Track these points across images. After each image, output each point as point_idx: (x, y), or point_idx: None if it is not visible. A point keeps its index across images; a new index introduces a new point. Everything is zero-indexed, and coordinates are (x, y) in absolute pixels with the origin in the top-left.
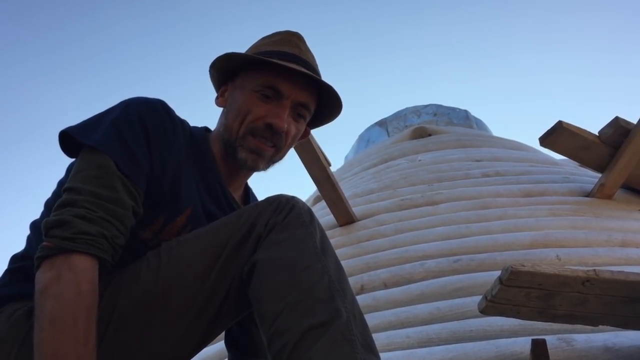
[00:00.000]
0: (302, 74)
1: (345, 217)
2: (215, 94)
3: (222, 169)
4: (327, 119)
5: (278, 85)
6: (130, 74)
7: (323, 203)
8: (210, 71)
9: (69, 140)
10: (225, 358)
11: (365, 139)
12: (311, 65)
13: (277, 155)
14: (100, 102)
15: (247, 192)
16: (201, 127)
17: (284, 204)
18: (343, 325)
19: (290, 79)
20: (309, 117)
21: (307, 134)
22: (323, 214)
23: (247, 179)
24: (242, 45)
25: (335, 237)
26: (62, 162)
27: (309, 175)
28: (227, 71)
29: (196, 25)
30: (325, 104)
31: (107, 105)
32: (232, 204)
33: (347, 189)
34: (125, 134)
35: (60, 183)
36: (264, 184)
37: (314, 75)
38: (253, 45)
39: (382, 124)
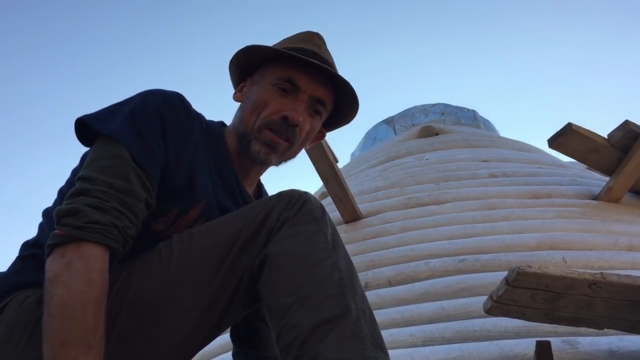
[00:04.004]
0: (320, 69)
1: (351, 214)
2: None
3: (237, 164)
4: (343, 121)
5: (296, 79)
6: (131, 72)
7: (329, 199)
8: (230, 67)
9: (85, 128)
10: (229, 351)
11: (372, 137)
12: (330, 64)
13: (290, 150)
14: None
15: (260, 188)
16: (217, 122)
17: (296, 199)
18: (352, 322)
19: (308, 74)
20: (325, 116)
21: (322, 136)
22: (329, 211)
23: (260, 175)
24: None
25: (341, 234)
26: (73, 151)
27: (314, 171)
28: (246, 67)
29: (200, 27)
30: (341, 106)
31: (109, 100)
32: (246, 198)
33: (353, 186)
34: (142, 125)
35: (74, 172)
36: (269, 179)
37: (331, 69)
38: (274, 45)
39: (389, 122)
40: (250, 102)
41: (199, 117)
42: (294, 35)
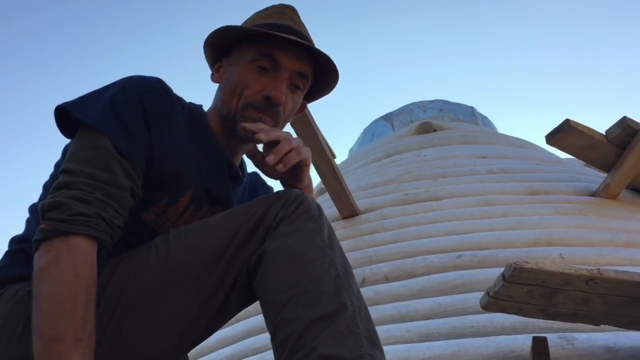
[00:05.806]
0: (298, 44)
1: (348, 210)
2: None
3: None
4: (324, 92)
5: (275, 54)
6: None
7: (326, 195)
8: (204, 48)
9: (65, 117)
10: (226, 346)
11: (370, 133)
12: (305, 37)
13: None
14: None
15: (242, 163)
16: (197, 105)
17: (293, 198)
18: (348, 319)
19: (286, 50)
20: (306, 89)
21: (303, 107)
22: (326, 207)
23: (243, 153)
24: (232, 21)
25: (338, 230)
26: (58, 146)
27: (311, 167)
28: (221, 47)
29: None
30: (321, 76)
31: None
32: (237, 174)
33: (351, 182)
34: (123, 113)
35: (57, 165)
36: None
37: (310, 44)
38: (247, 20)
39: (387, 118)
40: (230, 84)
41: (180, 100)
42: (264, 10)
